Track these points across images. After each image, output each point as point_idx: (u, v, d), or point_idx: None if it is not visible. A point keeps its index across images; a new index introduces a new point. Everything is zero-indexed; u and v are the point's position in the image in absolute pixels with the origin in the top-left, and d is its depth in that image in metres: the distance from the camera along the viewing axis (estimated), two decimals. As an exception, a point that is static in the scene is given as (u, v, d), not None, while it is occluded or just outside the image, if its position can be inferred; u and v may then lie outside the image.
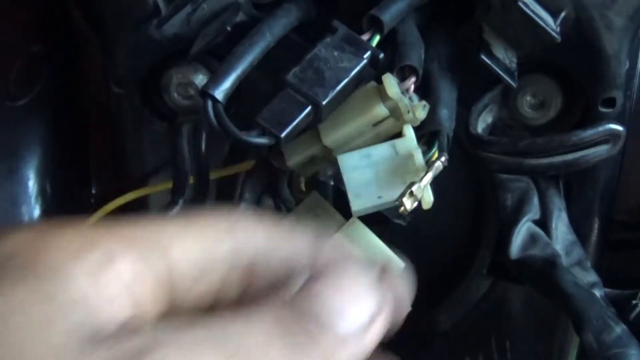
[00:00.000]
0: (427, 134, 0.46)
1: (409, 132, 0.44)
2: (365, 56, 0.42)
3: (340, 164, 0.43)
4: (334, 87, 0.41)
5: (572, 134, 0.47)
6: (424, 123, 0.45)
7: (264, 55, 0.44)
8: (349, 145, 0.44)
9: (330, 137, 0.44)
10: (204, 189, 0.50)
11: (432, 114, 0.45)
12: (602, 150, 0.48)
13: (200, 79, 0.51)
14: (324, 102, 0.40)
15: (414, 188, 0.42)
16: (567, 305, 0.47)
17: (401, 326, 0.63)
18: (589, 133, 0.47)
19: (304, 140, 0.45)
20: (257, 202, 0.50)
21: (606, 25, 0.46)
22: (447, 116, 0.45)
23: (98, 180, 0.62)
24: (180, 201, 0.49)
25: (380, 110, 0.43)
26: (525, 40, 0.48)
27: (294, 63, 0.42)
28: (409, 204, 0.42)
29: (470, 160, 0.54)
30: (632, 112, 0.51)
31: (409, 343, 0.66)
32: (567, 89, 0.52)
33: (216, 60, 0.50)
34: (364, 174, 0.43)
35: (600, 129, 0.47)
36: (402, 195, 0.42)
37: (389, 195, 0.43)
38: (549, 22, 0.46)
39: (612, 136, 0.48)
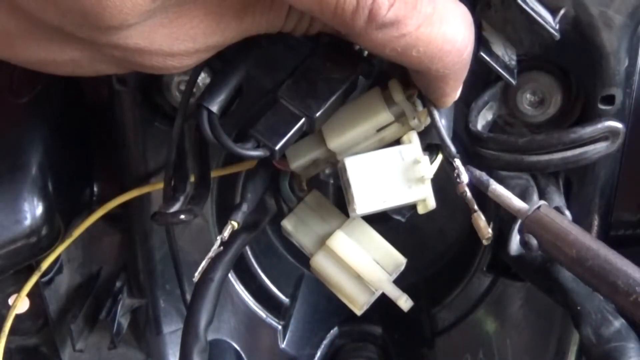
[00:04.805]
0: (426, 144, 0.46)
1: (415, 139, 0.44)
2: (358, 68, 0.42)
3: (347, 167, 0.43)
4: (326, 99, 0.41)
5: (571, 131, 0.47)
6: (423, 132, 0.45)
7: (264, 54, 0.44)
8: (353, 150, 0.45)
9: (335, 141, 0.44)
10: (206, 187, 0.51)
11: (430, 125, 0.45)
12: (601, 147, 0.48)
13: (201, 77, 0.51)
14: (316, 115, 0.40)
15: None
16: (566, 300, 0.47)
17: (402, 324, 0.64)
18: (588, 130, 0.48)
19: (307, 144, 0.46)
20: (259, 201, 0.50)
21: (605, 22, 0.46)
22: (446, 126, 0.45)
23: (100, 177, 0.63)
24: (182, 198, 0.49)
25: (386, 116, 0.43)
26: (524, 38, 0.48)
27: (291, 64, 0.42)
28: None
29: (470, 158, 0.54)
30: (632, 109, 0.51)
31: (411, 341, 0.66)
32: (567, 87, 0.52)
33: (218, 58, 0.51)
34: (370, 177, 0.43)
35: (599, 126, 0.47)
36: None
37: (393, 200, 0.44)
38: (548, 20, 0.46)
39: (611, 133, 0.48)
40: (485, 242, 0.43)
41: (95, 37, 0.35)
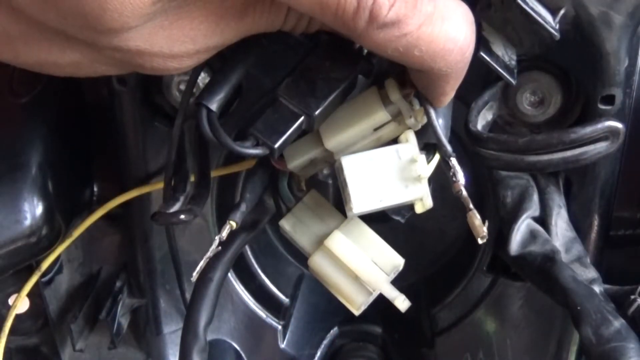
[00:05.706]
0: (423, 144, 0.46)
1: (412, 138, 0.44)
2: (357, 67, 0.42)
3: (343, 166, 0.43)
4: (325, 98, 0.41)
5: (571, 131, 0.47)
6: (420, 132, 0.46)
7: (264, 53, 0.44)
8: (350, 149, 0.45)
9: (332, 140, 0.44)
10: (206, 186, 0.51)
11: (427, 124, 0.45)
12: (601, 147, 0.48)
13: (201, 77, 0.51)
14: (315, 113, 0.40)
15: None
16: (566, 300, 0.47)
17: (402, 324, 0.64)
18: (588, 130, 0.47)
19: (304, 144, 0.46)
20: (258, 201, 0.50)
21: (605, 22, 0.46)
22: (444, 125, 0.45)
23: (100, 177, 0.63)
24: (182, 198, 0.49)
25: (383, 115, 0.43)
26: (524, 38, 0.48)
27: (291, 63, 0.42)
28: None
29: (470, 158, 0.54)
30: (632, 109, 0.51)
31: (411, 341, 0.66)
32: (567, 87, 0.52)
33: (218, 57, 0.51)
34: (367, 176, 0.43)
35: (599, 125, 0.47)
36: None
37: (390, 199, 0.44)
38: (548, 20, 0.46)
39: (612, 133, 0.48)
40: (480, 241, 0.43)
41: (95, 39, 0.35)
